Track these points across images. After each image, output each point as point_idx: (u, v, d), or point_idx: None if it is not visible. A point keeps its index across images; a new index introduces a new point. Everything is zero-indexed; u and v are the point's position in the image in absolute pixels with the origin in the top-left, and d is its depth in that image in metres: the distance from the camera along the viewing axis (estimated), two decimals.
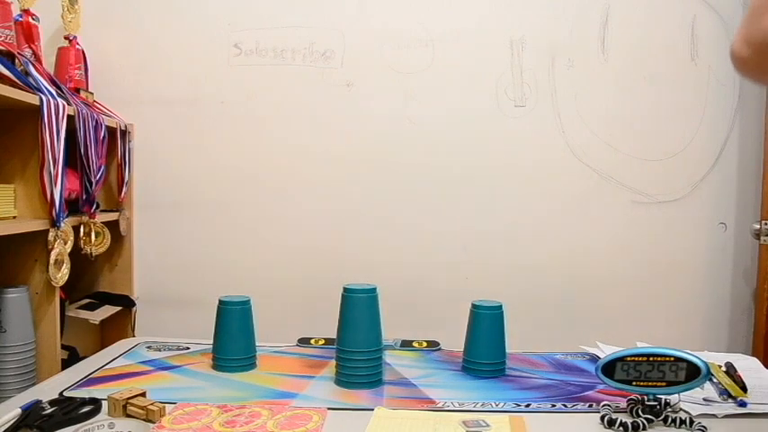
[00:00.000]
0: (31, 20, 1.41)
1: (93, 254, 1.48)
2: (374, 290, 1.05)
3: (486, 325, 1.13)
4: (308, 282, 1.74)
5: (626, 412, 0.90)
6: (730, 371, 1.06)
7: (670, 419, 0.87)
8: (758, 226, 1.70)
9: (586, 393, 1.01)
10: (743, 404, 0.94)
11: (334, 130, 1.73)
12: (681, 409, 0.90)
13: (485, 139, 1.72)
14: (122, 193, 1.67)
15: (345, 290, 1.05)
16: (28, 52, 1.38)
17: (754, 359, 1.21)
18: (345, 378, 1.04)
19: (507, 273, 1.75)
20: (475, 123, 1.72)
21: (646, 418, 0.86)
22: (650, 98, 1.74)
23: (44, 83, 1.30)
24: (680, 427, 0.86)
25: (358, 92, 1.72)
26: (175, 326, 1.66)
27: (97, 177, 1.47)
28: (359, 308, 1.04)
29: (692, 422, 0.86)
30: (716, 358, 1.12)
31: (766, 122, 1.71)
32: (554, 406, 0.96)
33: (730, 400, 0.96)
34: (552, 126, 1.72)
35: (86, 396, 0.92)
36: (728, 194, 1.76)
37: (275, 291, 1.71)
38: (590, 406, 0.95)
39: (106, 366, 1.13)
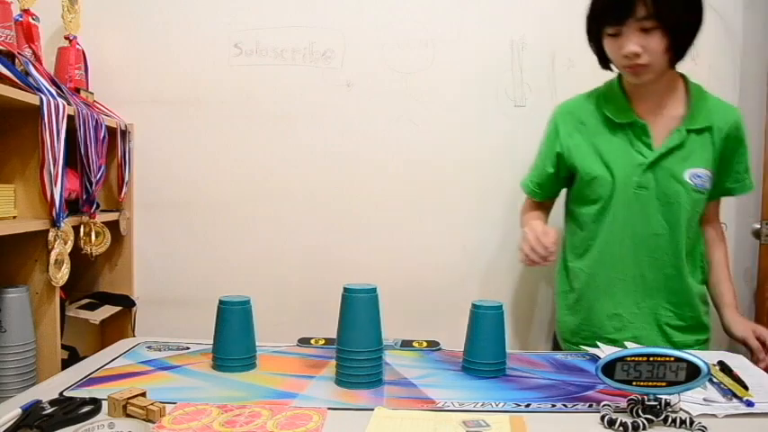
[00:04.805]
0: (31, 20, 1.41)
1: (93, 254, 1.48)
2: (374, 290, 1.05)
3: (487, 325, 1.13)
4: (308, 282, 1.75)
5: (626, 412, 0.90)
6: (726, 369, 1.06)
7: (670, 419, 0.87)
8: (758, 226, 1.70)
9: (586, 393, 1.01)
10: (750, 404, 0.94)
11: (334, 130, 1.73)
12: (681, 409, 0.90)
13: (485, 138, 1.73)
14: (122, 193, 1.67)
15: (345, 290, 1.05)
16: (28, 52, 1.38)
17: (740, 356, 1.21)
18: (345, 378, 1.03)
19: (507, 272, 1.75)
20: (475, 123, 1.72)
21: (646, 418, 0.86)
22: None
23: (44, 83, 1.30)
24: (680, 427, 0.86)
25: (358, 92, 1.72)
26: (175, 326, 1.66)
27: (97, 177, 1.47)
28: (359, 308, 1.04)
29: (692, 422, 0.86)
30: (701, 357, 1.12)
31: (766, 122, 1.71)
32: (554, 406, 0.96)
33: (735, 400, 0.96)
34: None
35: (86, 396, 0.92)
36: None
37: (275, 291, 1.72)
38: (590, 406, 0.95)
39: (106, 366, 1.13)
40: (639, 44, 1.20)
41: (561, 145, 1.38)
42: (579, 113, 1.38)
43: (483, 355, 1.11)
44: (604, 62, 1.35)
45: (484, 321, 1.13)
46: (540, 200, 1.48)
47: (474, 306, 1.15)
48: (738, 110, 1.35)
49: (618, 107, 1.33)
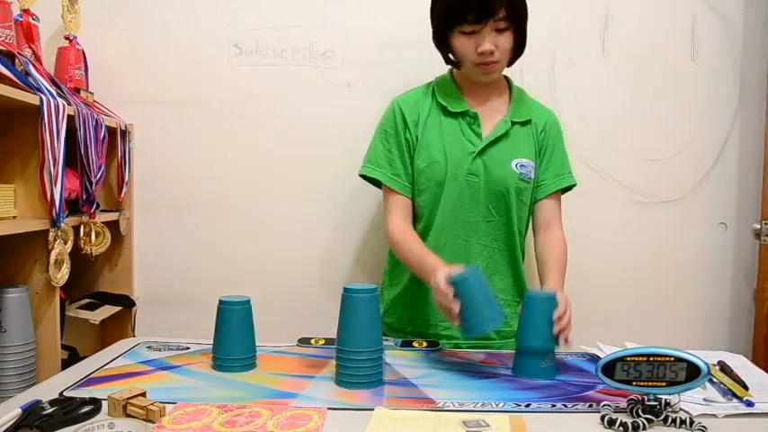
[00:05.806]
0: (31, 20, 1.41)
1: (93, 254, 1.48)
2: (374, 290, 1.05)
3: (540, 316, 1.10)
4: (308, 282, 1.75)
5: (626, 412, 0.90)
6: (726, 369, 1.06)
7: (670, 419, 0.87)
8: (758, 226, 1.70)
9: (586, 393, 1.01)
10: (750, 404, 0.94)
11: (335, 130, 1.73)
12: (681, 409, 0.90)
13: None
14: (122, 193, 1.67)
15: (345, 290, 1.05)
16: (28, 52, 1.38)
17: (741, 356, 1.21)
18: (345, 378, 1.03)
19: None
20: None
21: (646, 418, 0.86)
22: (650, 98, 1.74)
23: (44, 83, 1.30)
24: (680, 427, 0.86)
25: (358, 92, 1.72)
26: (175, 326, 1.66)
27: (97, 177, 1.47)
28: (359, 308, 1.04)
29: (692, 422, 0.86)
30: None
31: (766, 122, 1.71)
32: (554, 406, 0.96)
33: (735, 400, 0.96)
34: None
35: (86, 396, 0.92)
36: (729, 194, 1.76)
37: (275, 291, 1.71)
38: (590, 406, 0.95)
39: (106, 366, 1.13)
40: (493, 43, 1.26)
41: (410, 133, 1.37)
42: (420, 104, 1.39)
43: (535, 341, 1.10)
44: (448, 58, 1.39)
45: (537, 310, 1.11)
46: (409, 195, 1.37)
47: (527, 298, 1.14)
48: (554, 112, 1.43)
49: (452, 97, 1.37)
